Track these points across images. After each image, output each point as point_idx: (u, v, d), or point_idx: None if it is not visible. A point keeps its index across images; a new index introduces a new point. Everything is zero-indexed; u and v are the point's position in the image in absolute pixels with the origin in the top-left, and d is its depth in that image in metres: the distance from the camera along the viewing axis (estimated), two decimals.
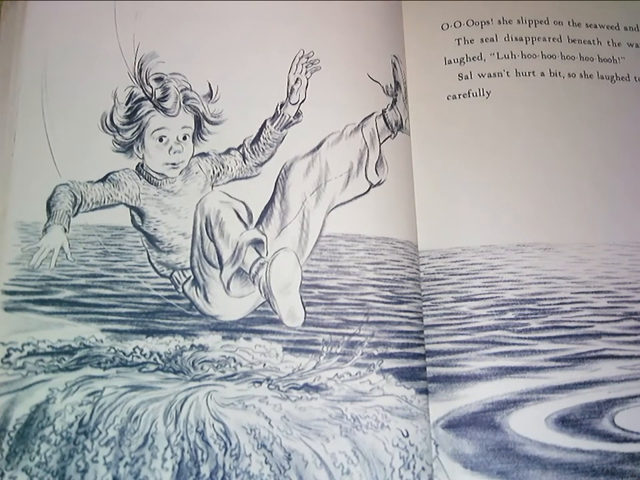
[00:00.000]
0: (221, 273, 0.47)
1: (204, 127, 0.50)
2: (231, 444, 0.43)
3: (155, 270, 0.47)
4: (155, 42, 0.50)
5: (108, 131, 0.49)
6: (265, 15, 0.52)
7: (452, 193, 0.51)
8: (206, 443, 0.43)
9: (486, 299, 0.49)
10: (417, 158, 0.52)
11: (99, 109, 0.49)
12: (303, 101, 0.50)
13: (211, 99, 0.50)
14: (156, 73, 0.50)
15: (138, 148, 0.49)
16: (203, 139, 0.49)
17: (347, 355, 0.46)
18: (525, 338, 0.48)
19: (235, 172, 0.49)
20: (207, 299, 0.47)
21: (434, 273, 0.50)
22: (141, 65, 0.50)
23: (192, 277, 0.47)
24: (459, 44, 0.55)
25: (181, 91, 0.50)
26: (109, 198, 0.48)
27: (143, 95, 0.49)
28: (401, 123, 0.52)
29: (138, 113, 0.49)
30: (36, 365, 0.44)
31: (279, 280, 0.47)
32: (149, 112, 0.49)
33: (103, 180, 0.48)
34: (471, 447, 0.45)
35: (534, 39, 0.55)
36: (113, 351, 0.45)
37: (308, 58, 0.51)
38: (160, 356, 0.45)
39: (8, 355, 0.44)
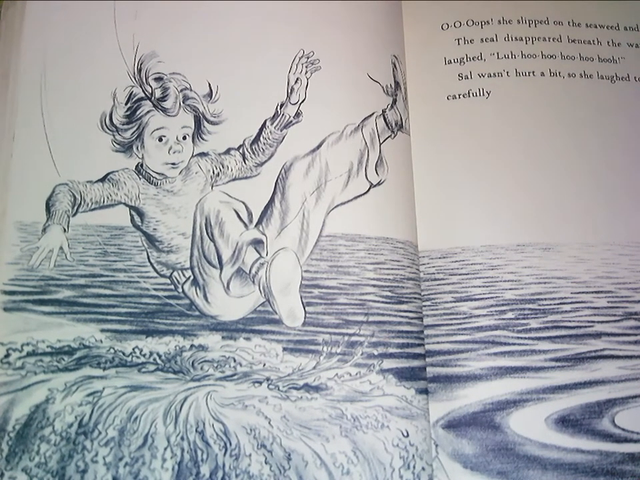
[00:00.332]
0: (220, 272, 0.47)
1: (204, 126, 0.50)
2: (230, 444, 0.43)
3: (155, 270, 0.47)
4: (155, 41, 0.50)
5: (107, 130, 0.49)
6: (265, 15, 0.52)
7: (452, 193, 0.51)
8: (206, 443, 0.43)
9: (486, 299, 0.49)
10: (416, 158, 0.52)
11: (99, 109, 0.49)
12: (303, 101, 0.50)
13: (210, 98, 0.50)
14: (155, 73, 0.50)
15: (137, 148, 0.49)
16: (202, 138, 0.49)
17: (347, 355, 0.46)
18: (525, 338, 0.48)
19: (235, 172, 0.49)
20: (206, 299, 0.47)
21: (434, 273, 0.50)
22: (141, 64, 0.50)
23: (192, 277, 0.47)
24: (458, 44, 0.55)
25: (181, 90, 0.50)
26: (108, 198, 0.48)
27: (143, 95, 0.49)
28: (401, 122, 0.52)
29: (137, 112, 0.49)
30: (35, 365, 0.44)
31: (279, 280, 0.47)
32: (148, 112, 0.49)
33: (102, 180, 0.48)
34: (470, 447, 0.45)
35: (534, 39, 0.55)
36: (112, 351, 0.45)
37: (308, 58, 0.51)
38: (159, 356, 0.45)
39: (7, 355, 0.44)
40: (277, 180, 0.49)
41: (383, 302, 0.47)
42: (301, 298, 0.47)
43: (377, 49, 0.52)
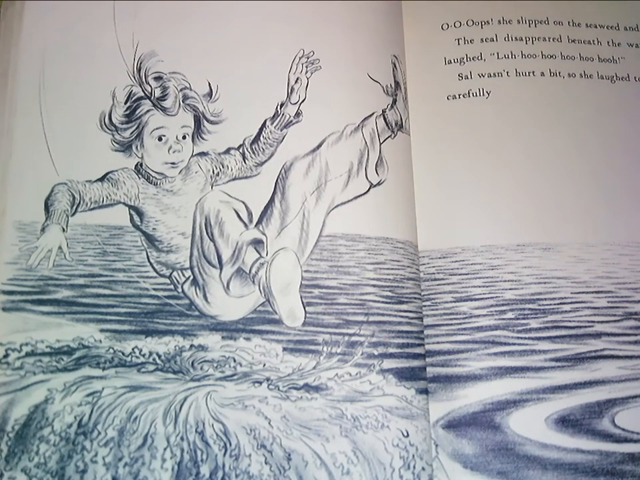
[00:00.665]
0: (220, 272, 0.47)
1: (203, 126, 0.49)
2: (230, 444, 0.43)
3: (154, 270, 0.47)
4: (154, 41, 0.50)
5: (107, 130, 0.49)
6: (265, 15, 0.52)
7: (452, 193, 0.51)
8: (205, 443, 0.43)
9: (486, 299, 0.49)
10: (416, 158, 0.52)
11: (98, 108, 0.49)
12: (303, 101, 0.50)
13: (210, 98, 0.50)
14: (155, 72, 0.50)
15: (137, 147, 0.49)
16: (202, 138, 0.49)
17: (347, 354, 0.46)
18: (525, 338, 0.48)
19: (235, 172, 0.49)
20: (206, 299, 0.47)
21: (434, 273, 0.50)
22: (140, 63, 0.50)
23: (191, 277, 0.47)
24: (458, 44, 0.55)
25: (181, 90, 0.50)
26: (107, 197, 0.48)
27: (142, 94, 0.49)
28: (400, 122, 0.52)
29: (137, 112, 0.49)
30: (34, 365, 0.44)
31: (279, 280, 0.47)
32: (148, 111, 0.49)
33: (101, 179, 0.48)
34: (470, 447, 0.45)
35: (534, 39, 0.55)
36: (111, 351, 0.45)
37: (308, 58, 0.51)
38: (159, 356, 0.45)
39: (6, 355, 0.44)
40: (277, 180, 0.49)
41: (383, 302, 0.47)
42: (301, 298, 0.47)
43: (377, 48, 0.52)
